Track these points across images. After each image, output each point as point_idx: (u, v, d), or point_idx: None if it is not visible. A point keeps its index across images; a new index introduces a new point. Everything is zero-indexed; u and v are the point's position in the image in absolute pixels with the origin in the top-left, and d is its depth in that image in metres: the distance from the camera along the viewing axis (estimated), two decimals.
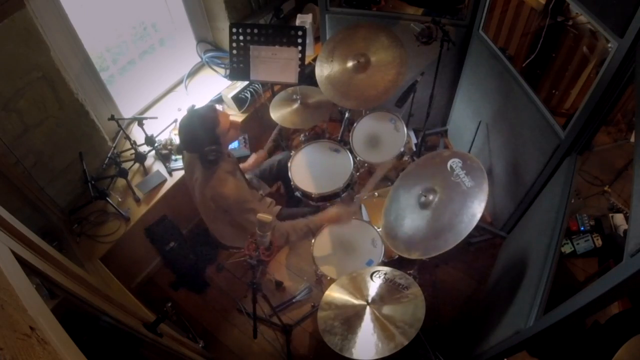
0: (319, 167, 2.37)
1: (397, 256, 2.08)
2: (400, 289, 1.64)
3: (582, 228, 2.51)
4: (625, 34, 1.38)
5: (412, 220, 1.79)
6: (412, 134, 2.83)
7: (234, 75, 2.59)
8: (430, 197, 1.73)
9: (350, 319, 1.61)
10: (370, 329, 1.56)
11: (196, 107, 1.84)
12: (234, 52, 2.45)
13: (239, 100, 2.77)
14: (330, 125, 3.24)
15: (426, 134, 2.72)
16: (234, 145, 2.75)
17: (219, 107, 2.68)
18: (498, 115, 2.33)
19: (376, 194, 2.39)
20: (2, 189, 1.91)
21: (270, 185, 2.48)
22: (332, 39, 2.32)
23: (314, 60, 2.58)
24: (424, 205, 1.75)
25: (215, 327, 2.48)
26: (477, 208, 1.57)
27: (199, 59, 3.02)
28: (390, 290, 1.65)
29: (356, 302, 1.65)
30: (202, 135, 1.74)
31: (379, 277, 1.71)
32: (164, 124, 2.65)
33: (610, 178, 2.73)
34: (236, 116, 2.80)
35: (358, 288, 1.70)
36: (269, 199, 2.23)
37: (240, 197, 1.86)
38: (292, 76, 2.44)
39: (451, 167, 1.71)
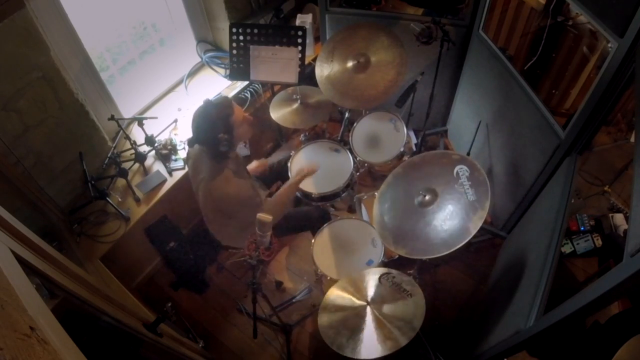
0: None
1: (397, 256, 2.08)
2: (404, 295, 1.63)
3: (582, 228, 2.51)
4: (625, 34, 1.38)
5: (404, 215, 1.77)
6: (412, 134, 2.83)
7: (234, 75, 2.59)
8: (429, 198, 1.72)
9: (350, 318, 1.61)
10: (369, 329, 1.56)
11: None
12: (234, 52, 2.45)
13: (239, 100, 2.77)
14: (330, 125, 3.24)
15: (426, 134, 2.72)
16: None
17: None
18: (498, 115, 2.33)
19: (376, 194, 2.39)
20: (2, 189, 1.91)
21: (269, 185, 2.48)
22: (332, 39, 2.32)
23: (314, 60, 2.58)
24: (420, 204, 1.74)
25: (215, 327, 2.47)
26: (472, 224, 1.56)
27: (199, 59, 3.02)
28: (392, 295, 1.65)
29: (357, 302, 1.65)
30: (216, 122, 1.74)
31: (387, 279, 1.69)
32: (164, 124, 2.64)
33: (610, 178, 2.73)
34: None
35: (360, 288, 1.70)
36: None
37: (246, 196, 1.86)
38: (292, 76, 2.44)
39: (457, 173, 1.69)
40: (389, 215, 1.82)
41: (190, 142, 1.90)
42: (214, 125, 1.75)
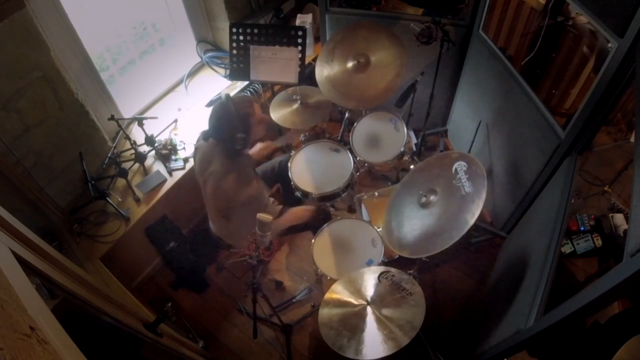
0: (319, 167, 2.37)
1: (397, 256, 2.08)
2: (404, 294, 1.63)
3: (582, 228, 2.51)
4: (625, 34, 1.38)
5: (410, 218, 1.79)
6: (412, 134, 2.83)
7: (234, 75, 2.58)
8: (431, 198, 1.73)
9: (350, 318, 1.61)
10: (369, 329, 1.55)
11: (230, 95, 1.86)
12: (234, 52, 2.45)
13: None
14: (330, 125, 3.24)
15: (426, 134, 2.72)
16: None
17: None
18: (498, 115, 2.33)
19: (376, 194, 2.39)
20: (2, 189, 1.91)
21: (271, 186, 2.48)
22: (332, 39, 2.32)
23: (314, 60, 2.58)
24: (423, 205, 1.75)
25: (215, 327, 2.48)
26: (470, 215, 1.56)
27: (199, 59, 3.02)
28: (392, 294, 1.65)
29: (357, 302, 1.65)
30: (235, 121, 1.73)
31: (386, 278, 1.69)
32: (164, 124, 2.65)
33: (610, 178, 2.73)
34: None
35: (361, 287, 1.69)
36: (271, 199, 2.23)
37: (255, 195, 1.86)
38: (292, 76, 2.43)
39: (456, 169, 1.70)
40: (397, 222, 1.84)
41: (206, 136, 1.88)
42: (233, 123, 1.74)
